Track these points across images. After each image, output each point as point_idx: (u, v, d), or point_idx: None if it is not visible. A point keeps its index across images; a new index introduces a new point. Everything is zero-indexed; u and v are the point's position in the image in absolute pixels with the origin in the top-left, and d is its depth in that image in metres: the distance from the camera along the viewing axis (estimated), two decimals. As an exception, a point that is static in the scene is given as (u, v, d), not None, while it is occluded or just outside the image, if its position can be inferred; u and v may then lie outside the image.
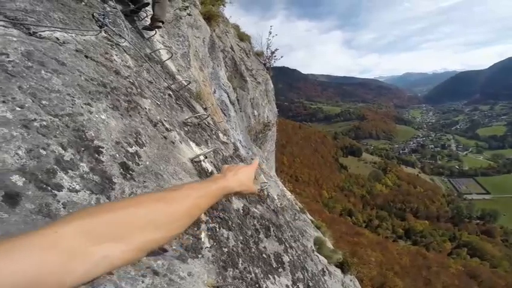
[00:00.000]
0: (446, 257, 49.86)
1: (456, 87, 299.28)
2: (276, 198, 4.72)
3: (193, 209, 0.61)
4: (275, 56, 11.17)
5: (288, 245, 2.48)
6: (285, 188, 7.57)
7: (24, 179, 0.64)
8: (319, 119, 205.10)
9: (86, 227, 0.39)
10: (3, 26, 1.10)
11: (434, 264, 39.77)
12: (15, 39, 1.09)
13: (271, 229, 2.33)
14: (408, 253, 43.27)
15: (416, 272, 35.48)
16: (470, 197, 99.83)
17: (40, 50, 1.15)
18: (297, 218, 5.65)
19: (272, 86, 10.88)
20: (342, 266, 5.14)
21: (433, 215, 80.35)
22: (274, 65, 11.43)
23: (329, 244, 5.91)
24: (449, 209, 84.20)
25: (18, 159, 0.67)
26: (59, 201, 0.69)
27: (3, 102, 0.78)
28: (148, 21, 3.52)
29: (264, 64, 10.89)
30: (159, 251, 0.88)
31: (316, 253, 4.53)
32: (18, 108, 0.79)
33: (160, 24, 3.43)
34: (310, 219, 6.91)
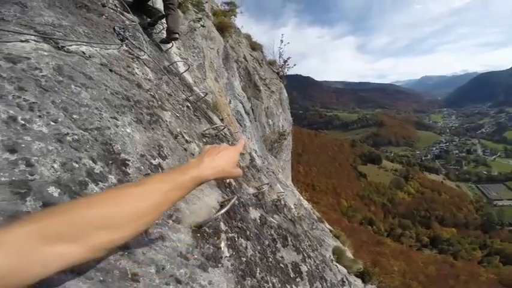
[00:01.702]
0: (476, 266, 46.89)
1: (478, 89, 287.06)
2: (293, 207, 4.67)
3: (161, 205, 0.60)
4: (288, 65, 11.25)
5: (306, 255, 2.45)
6: (301, 197, 7.48)
7: (59, 191, 0.70)
8: (335, 126, 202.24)
9: (39, 228, 0.42)
10: (35, 40, 1.19)
11: (463, 273, 37.52)
12: (46, 53, 1.17)
13: (289, 238, 2.32)
14: (434, 262, 41.23)
15: (443, 282, 33.56)
16: (501, 203, 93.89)
17: (69, 64, 1.23)
18: (314, 227, 5.55)
19: (286, 94, 10.91)
20: (363, 276, 4.98)
21: (460, 223, 76.45)
22: (288, 73, 11.51)
23: (349, 253, 5.76)
24: (478, 216, 79.71)
25: (53, 172, 0.72)
26: (91, 211, 0.74)
27: (39, 117, 0.85)
28: (164, 34, 3.70)
29: (277, 73, 10.96)
30: (182, 260, 0.91)
31: (335, 263, 4.42)
32: (52, 123, 0.86)
33: (176, 36, 3.59)
34: (329, 229, 6.77)
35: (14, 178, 0.66)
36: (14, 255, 0.38)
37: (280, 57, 11.21)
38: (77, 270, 0.61)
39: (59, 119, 0.89)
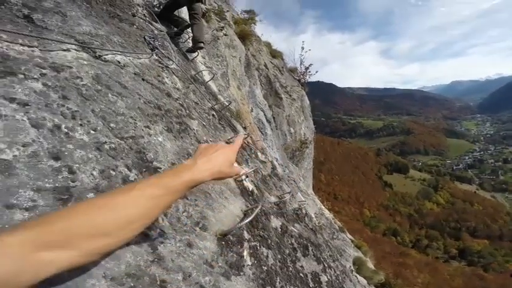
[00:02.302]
0: (509, 278, 43.22)
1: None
2: (314, 216, 4.59)
3: (150, 211, 0.58)
4: (309, 72, 11.17)
5: (326, 265, 2.40)
6: (323, 206, 7.34)
7: (97, 197, 0.74)
8: (359, 134, 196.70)
9: (32, 236, 0.43)
10: (75, 49, 1.27)
11: (493, 285, 34.82)
12: (85, 62, 1.25)
13: (310, 248, 2.29)
14: (462, 274, 38.79)
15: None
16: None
17: (106, 73, 1.31)
18: (335, 237, 5.41)
19: (308, 102, 10.81)
20: (384, 287, 4.79)
21: (494, 234, 71.09)
22: (309, 80, 11.43)
23: (370, 264, 5.58)
24: (515, 227, 73.67)
25: (93, 179, 0.77)
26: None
27: (81, 125, 0.92)
28: (190, 43, 3.86)
29: (299, 80, 10.91)
30: (207, 268, 0.93)
31: (355, 273, 4.28)
32: (92, 131, 0.92)
33: (202, 45, 3.74)
34: (350, 239, 6.57)
35: (57, 184, 0.71)
36: (8, 263, 0.40)
37: (301, 64, 11.19)
38: (109, 276, 0.64)
39: (98, 128, 0.95)
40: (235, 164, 0.81)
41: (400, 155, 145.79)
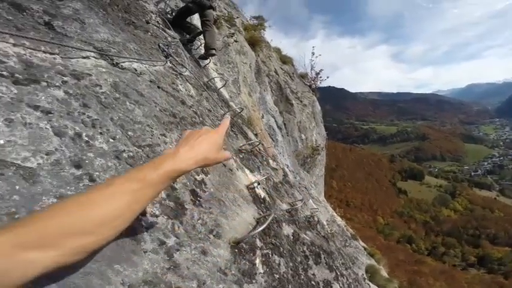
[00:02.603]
0: None
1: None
2: (326, 224, 4.54)
3: (131, 206, 0.56)
4: (321, 77, 11.13)
5: (339, 273, 2.36)
6: (335, 214, 7.24)
7: (116, 205, 0.76)
8: (372, 140, 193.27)
9: (11, 237, 0.44)
10: (94, 57, 1.31)
11: None
12: (104, 70, 1.28)
13: (322, 256, 2.26)
14: (480, 282, 37.26)
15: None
16: None
17: (123, 81, 1.35)
18: (347, 244, 5.32)
19: (319, 107, 10.75)
20: (398, 296, 4.65)
21: (516, 241, 67.89)
22: (320, 85, 11.38)
23: (383, 272, 5.45)
24: (538, 235, 70.13)
25: (112, 187, 0.80)
26: (143, 225, 0.79)
27: (101, 133, 0.95)
28: (202, 50, 3.94)
29: (309, 86, 10.88)
30: (221, 275, 0.93)
31: (368, 281, 4.18)
32: (111, 140, 0.95)
33: (214, 52, 3.82)
34: (363, 246, 6.44)
35: (78, 192, 0.74)
36: None
37: (312, 69, 11.18)
38: (127, 283, 0.66)
39: (117, 136, 0.98)
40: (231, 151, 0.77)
41: (415, 161, 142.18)
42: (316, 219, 3.30)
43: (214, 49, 3.83)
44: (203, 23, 3.89)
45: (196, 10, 3.89)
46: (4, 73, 0.89)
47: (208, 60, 3.96)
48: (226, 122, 0.81)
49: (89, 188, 0.74)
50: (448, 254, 62.31)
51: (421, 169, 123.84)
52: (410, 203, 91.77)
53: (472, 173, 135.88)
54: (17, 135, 0.76)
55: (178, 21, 3.88)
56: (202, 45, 3.97)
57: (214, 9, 4.05)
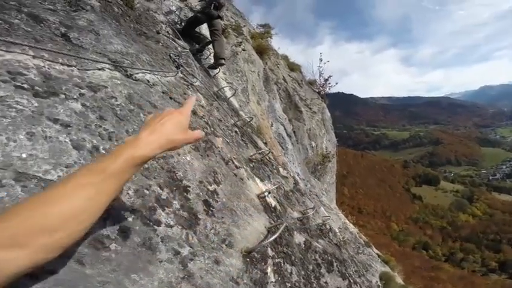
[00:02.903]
0: None
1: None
2: (338, 231, 4.46)
3: (94, 199, 0.55)
4: (329, 83, 11.07)
5: (352, 281, 2.32)
6: (347, 221, 7.11)
7: (133, 216, 0.79)
8: (384, 146, 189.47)
9: None
10: (109, 68, 1.35)
11: None
12: (119, 82, 1.32)
13: (334, 264, 2.23)
14: (502, 287, 35.37)
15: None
16: None
17: (137, 92, 1.38)
18: (360, 251, 5.20)
19: (329, 114, 10.66)
20: (414, 302, 4.51)
21: (541, 246, 64.67)
22: (328, 91, 11.31)
23: (398, 279, 5.32)
24: None
25: (128, 198, 0.82)
26: (158, 235, 0.81)
27: (116, 146, 0.98)
28: (211, 59, 4.02)
29: (318, 92, 10.83)
30: (233, 285, 0.93)
31: (382, 288, 4.08)
32: (127, 153, 0.98)
33: (223, 61, 3.88)
34: (376, 253, 6.28)
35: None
36: None
37: (320, 76, 11.14)
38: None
39: (132, 149, 1.01)
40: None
41: (429, 167, 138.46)
42: (328, 227, 3.26)
43: (223, 58, 3.89)
44: (212, 32, 3.97)
45: (204, 20, 3.98)
46: (25, 85, 0.94)
47: (218, 69, 4.03)
48: (191, 100, 0.76)
49: (51, 184, 0.72)
50: (467, 259, 60.05)
51: (436, 174, 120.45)
52: (425, 209, 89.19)
53: (490, 177, 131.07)
54: (38, 149, 0.80)
55: (187, 31, 3.98)
56: (212, 54, 4.05)
57: (222, 18, 4.15)
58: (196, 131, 0.72)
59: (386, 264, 5.86)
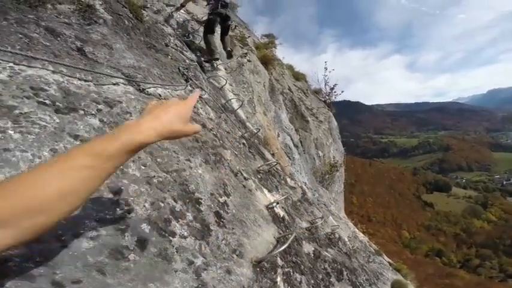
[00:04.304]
0: None
1: None
2: (347, 240, 4.42)
3: (85, 182, 0.53)
4: (335, 92, 11.09)
5: (362, 289, 2.29)
6: (356, 230, 7.01)
7: (149, 227, 0.83)
8: (392, 154, 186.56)
9: None
10: (123, 83, 1.41)
11: None
12: (132, 96, 1.37)
13: (344, 273, 2.22)
14: None
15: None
16: None
17: None
18: (371, 260, 5.12)
19: (336, 123, 10.61)
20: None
21: (559, 250, 62.18)
22: (334, 100, 11.31)
23: (411, 287, 5.20)
24: None
25: (145, 211, 0.87)
26: (173, 246, 0.85)
27: (133, 161, 1.03)
28: (218, 71, 4.28)
29: (324, 101, 10.83)
30: None
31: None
32: (143, 167, 1.04)
33: (231, 51, 4.54)
34: (388, 262, 6.16)
35: (116, 216, 0.82)
36: None
37: (325, 85, 11.17)
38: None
39: (147, 163, 1.07)
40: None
41: (439, 173, 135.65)
42: (337, 236, 3.24)
43: (231, 50, 4.56)
44: (222, 30, 4.55)
45: (216, 19, 4.49)
46: (47, 101, 0.99)
47: (225, 81, 4.16)
48: (196, 95, 0.75)
49: (42, 163, 0.70)
50: (483, 265, 58.01)
51: (447, 181, 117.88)
52: (437, 216, 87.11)
53: (504, 182, 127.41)
54: (61, 165, 0.86)
55: (206, 37, 4.45)
56: (218, 65, 4.37)
57: (229, 17, 4.62)
58: (196, 125, 0.72)
59: (398, 272, 5.77)
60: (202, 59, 4.32)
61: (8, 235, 0.46)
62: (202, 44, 4.58)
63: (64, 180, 0.51)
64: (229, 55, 4.68)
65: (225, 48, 4.64)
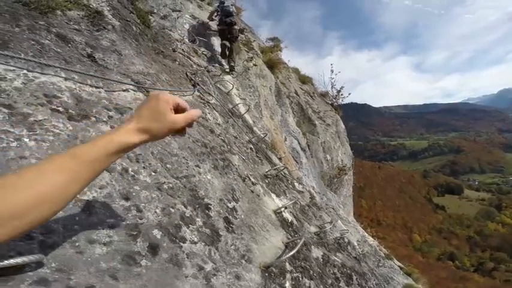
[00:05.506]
0: None
1: None
2: (356, 244, 4.37)
3: (65, 186, 0.52)
4: (342, 94, 11.00)
5: (372, 293, 2.26)
6: (366, 233, 6.92)
7: (161, 233, 0.85)
8: (402, 156, 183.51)
9: None
10: (133, 89, 1.43)
11: None
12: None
13: (354, 277, 2.19)
14: None
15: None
16: None
17: None
18: (381, 264, 5.04)
19: (343, 126, 10.49)
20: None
21: None
22: (342, 102, 11.22)
23: None
24: None
25: (156, 217, 0.89)
26: (184, 252, 0.86)
27: (144, 168, 1.06)
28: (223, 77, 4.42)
29: (331, 104, 10.76)
30: None
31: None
32: (153, 173, 1.06)
33: (234, 67, 4.75)
34: (398, 266, 6.05)
35: (128, 222, 0.83)
36: None
37: (332, 87, 11.10)
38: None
39: (158, 169, 1.08)
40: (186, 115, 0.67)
41: (451, 176, 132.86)
42: (346, 240, 3.21)
43: (234, 64, 4.77)
44: (228, 39, 4.78)
45: (224, 29, 4.79)
46: (60, 109, 1.01)
47: (231, 86, 4.22)
48: (196, 113, 0.71)
49: (27, 166, 0.71)
50: (498, 269, 56.25)
51: (459, 183, 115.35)
52: (449, 219, 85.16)
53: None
54: (75, 172, 0.89)
55: (222, 46, 4.82)
56: (226, 69, 4.69)
57: (234, 24, 4.86)
58: (190, 112, 0.67)
59: (409, 276, 5.67)
60: (224, 64, 4.64)
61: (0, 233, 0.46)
62: (209, 49, 4.77)
63: (47, 182, 0.51)
64: (231, 69, 4.80)
65: (229, 62, 4.79)
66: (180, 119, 0.65)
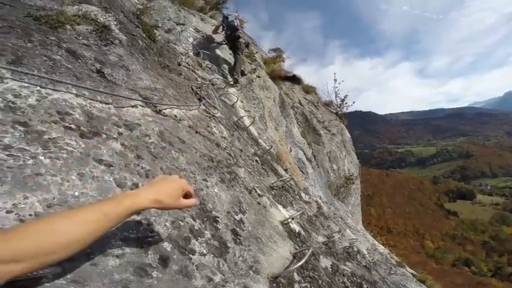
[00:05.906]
0: None
1: None
2: (366, 253, 4.28)
3: (89, 235, 0.65)
4: (346, 103, 10.96)
5: (385, 301, 2.21)
6: (376, 242, 6.78)
7: (171, 246, 0.88)
8: (410, 163, 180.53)
9: None
10: (141, 105, 1.45)
11: None
12: (150, 119, 1.41)
13: (364, 286, 2.17)
14: None
15: None
16: None
17: (167, 129, 1.46)
18: (393, 272, 4.91)
19: (349, 135, 10.39)
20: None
21: None
22: (346, 111, 11.16)
23: None
24: None
25: (166, 230, 0.92)
26: (193, 264, 0.89)
27: (153, 183, 1.08)
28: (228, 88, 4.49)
29: (336, 113, 10.72)
30: None
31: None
32: (162, 188, 1.08)
33: (237, 78, 4.83)
34: (411, 273, 5.88)
35: (139, 235, 0.86)
36: None
37: (336, 96, 11.08)
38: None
39: (167, 185, 1.11)
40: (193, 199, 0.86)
41: (461, 181, 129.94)
42: (355, 249, 3.17)
43: (237, 77, 4.86)
44: (235, 48, 5.06)
45: (230, 42, 5.07)
46: (72, 126, 1.04)
47: (236, 98, 4.27)
48: (195, 202, 0.89)
49: (61, 213, 0.80)
50: (516, 273, 53.99)
51: (470, 188, 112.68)
52: (462, 224, 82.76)
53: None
54: (87, 187, 0.92)
55: (234, 57, 5.08)
56: (230, 81, 4.82)
57: (239, 37, 5.09)
58: (190, 200, 0.86)
59: (422, 283, 5.51)
60: (228, 77, 4.84)
61: (18, 268, 0.56)
62: (213, 62, 4.96)
63: (77, 231, 0.64)
64: (236, 81, 4.90)
65: (232, 74, 4.94)
66: (184, 203, 0.84)
